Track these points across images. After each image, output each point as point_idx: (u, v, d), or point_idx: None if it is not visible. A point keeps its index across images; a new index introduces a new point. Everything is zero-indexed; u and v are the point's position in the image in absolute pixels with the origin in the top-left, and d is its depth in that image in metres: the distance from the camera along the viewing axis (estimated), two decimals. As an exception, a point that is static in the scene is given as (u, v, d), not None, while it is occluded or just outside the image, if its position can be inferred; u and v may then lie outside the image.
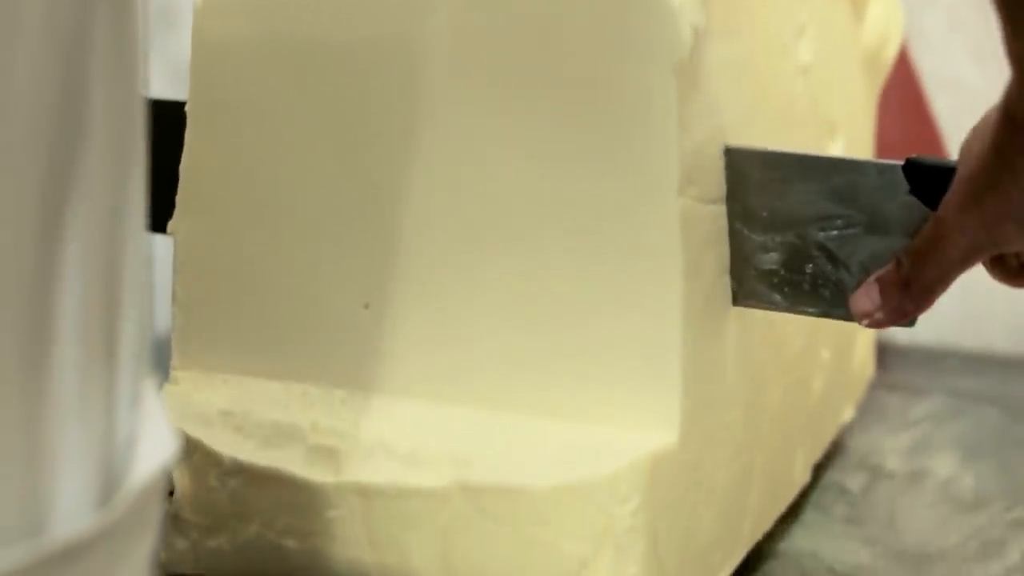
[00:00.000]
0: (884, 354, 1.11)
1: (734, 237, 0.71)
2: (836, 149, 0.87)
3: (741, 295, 0.72)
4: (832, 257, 0.68)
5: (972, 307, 0.58)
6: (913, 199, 0.65)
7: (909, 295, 0.64)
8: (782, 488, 0.86)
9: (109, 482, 0.38)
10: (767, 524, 0.83)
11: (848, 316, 0.68)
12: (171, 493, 0.74)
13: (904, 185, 0.65)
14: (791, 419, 0.85)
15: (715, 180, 0.70)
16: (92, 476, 0.38)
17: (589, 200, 0.68)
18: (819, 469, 0.94)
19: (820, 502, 0.91)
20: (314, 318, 0.75)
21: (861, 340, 1.02)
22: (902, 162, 0.65)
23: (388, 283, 0.72)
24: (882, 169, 0.66)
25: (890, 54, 0.99)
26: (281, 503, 0.72)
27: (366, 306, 0.73)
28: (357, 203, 0.73)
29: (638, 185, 0.67)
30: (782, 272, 0.70)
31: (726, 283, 0.72)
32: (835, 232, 0.67)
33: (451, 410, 0.71)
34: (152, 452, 0.39)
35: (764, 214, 0.70)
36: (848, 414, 1.01)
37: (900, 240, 0.65)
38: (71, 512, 0.37)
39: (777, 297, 0.70)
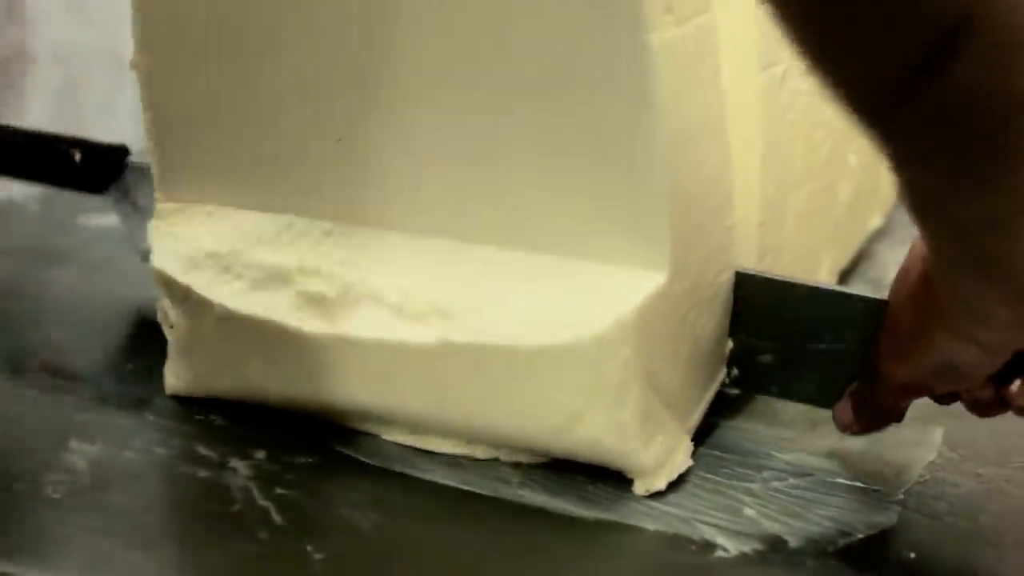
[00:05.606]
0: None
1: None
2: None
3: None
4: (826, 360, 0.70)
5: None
6: None
7: (872, 415, 0.69)
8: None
9: None
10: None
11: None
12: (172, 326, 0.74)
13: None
14: (817, 224, 0.83)
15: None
16: None
17: (570, 33, 0.62)
18: (845, 276, 0.93)
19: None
20: (288, 151, 0.72)
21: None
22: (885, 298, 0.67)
23: (360, 117, 0.69)
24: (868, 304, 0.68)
25: None
26: (275, 351, 0.71)
27: (338, 140, 0.70)
28: (328, 34, 0.68)
29: (614, 17, 0.62)
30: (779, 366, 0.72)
31: (718, 96, 0.67)
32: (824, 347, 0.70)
33: (436, 247, 0.69)
34: None
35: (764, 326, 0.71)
36: (877, 222, 0.99)
37: None
38: None
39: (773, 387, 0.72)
